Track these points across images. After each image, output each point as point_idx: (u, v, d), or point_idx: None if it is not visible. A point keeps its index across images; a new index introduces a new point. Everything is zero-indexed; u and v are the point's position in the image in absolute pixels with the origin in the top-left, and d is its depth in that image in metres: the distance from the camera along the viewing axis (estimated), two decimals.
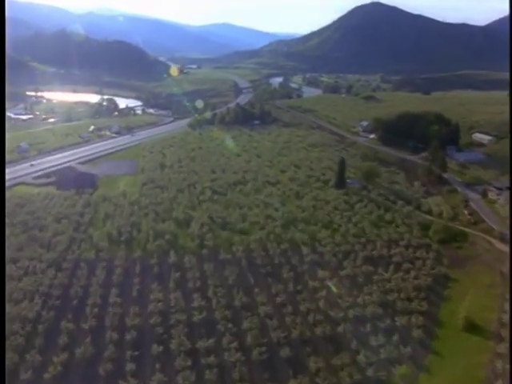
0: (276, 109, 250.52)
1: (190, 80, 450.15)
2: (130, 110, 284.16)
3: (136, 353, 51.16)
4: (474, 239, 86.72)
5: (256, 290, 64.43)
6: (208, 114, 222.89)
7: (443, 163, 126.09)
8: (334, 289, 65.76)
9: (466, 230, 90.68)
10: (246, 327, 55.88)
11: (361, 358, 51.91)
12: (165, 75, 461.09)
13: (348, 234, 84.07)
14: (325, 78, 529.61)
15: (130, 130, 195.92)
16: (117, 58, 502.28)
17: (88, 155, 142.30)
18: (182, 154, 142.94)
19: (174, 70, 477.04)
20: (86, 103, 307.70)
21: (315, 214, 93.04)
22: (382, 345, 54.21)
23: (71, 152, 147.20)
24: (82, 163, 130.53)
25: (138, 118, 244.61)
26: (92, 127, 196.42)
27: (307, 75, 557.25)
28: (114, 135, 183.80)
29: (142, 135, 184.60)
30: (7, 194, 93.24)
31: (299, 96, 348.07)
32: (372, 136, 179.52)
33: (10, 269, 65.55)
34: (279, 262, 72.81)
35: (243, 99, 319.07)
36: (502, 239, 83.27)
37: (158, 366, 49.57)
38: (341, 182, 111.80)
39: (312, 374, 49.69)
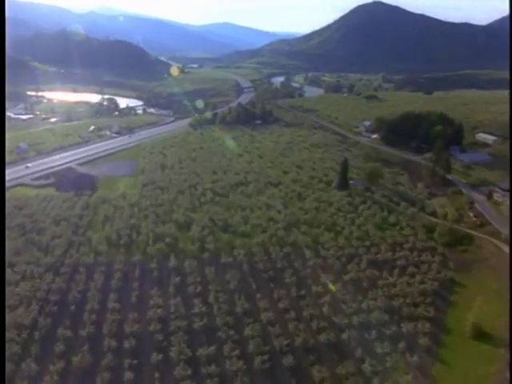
0: (278, 108, 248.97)
1: (191, 79, 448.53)
2: (130, 110, 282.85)
3: (135, 361, 49.71)
4: (479, 242, 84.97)
5: (258, 295, 62.96)
6: (209, 114, 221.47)
7: (447, 164, 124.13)
8: (337, 294, 64.18)
9: (472, 232, 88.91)
10: (248, 334, 54.39)
11: (366, 366, 50.34)
12: (165, 75, 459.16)
13: (351, 237, 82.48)
14: (327, 78, 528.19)
15: (130, 129, 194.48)
16: (117, 57, 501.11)
17: (87, 156, 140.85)
18: (182, 155, 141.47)
19: (174, 70, 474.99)
20: (87, 103, 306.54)
21: (318, 216, 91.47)
22: (387, 353, 52.67)
23: (70, 153, 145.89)
24: (81, 164, 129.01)
25: (139, 118, 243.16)
26: (92, 127, 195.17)
27: (309, 74, 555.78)
28: (114, 135, 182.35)
29: (143, 135, 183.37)
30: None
31: (301, 95, 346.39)
32: (375, 136, 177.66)
33: (6, 273, 64.06)
34: (282, 266, 71.26)
35: (245, 99, 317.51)
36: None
37: (157, 375, 48.18)
38: (344, 183, 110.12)
39: (316, 383, 48.20)
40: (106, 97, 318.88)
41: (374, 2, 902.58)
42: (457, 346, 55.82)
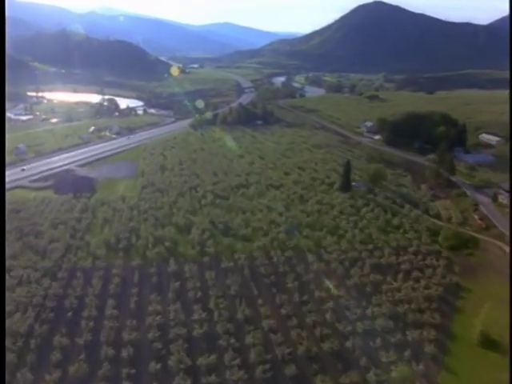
0: (279, 109, 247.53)
1: (191, 80, 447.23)
2: (130, 111, 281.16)
3: (132, 371, 48.28)
4: (485, 245, 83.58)
5: (259, 301, 61.55)
6: (210, 114, 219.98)
7: (451, 165, 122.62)
8: (341, 299, 62.72)
9: (477, 235, 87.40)
10: (249, 342, 52.94)
11: (371, 376, 48.88)
12: (166, 75, 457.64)
13: (354, 241, 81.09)
14: (328, 78, 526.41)
15: (130, 130, 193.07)
16: (118, 57, 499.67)
17: (86, 158, 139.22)
18: (183, 156, 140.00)
19: (175, 70, 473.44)
20: (87, 103, 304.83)
21: (320, 219, 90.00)
22: (393, 361, 51.20)
23: (69, 154, 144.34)
24: (81, 166, 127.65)
25: (139, 119, 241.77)
26: (92, 128, 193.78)
27: (310, 74, 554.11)
28: (114, 136, 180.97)
29: (144, 135, 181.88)
30: None
31: (302, 95, 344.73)
32: (377, 137, 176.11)
33: None
34: (283, 270, 69.85)
35: (245, 99, 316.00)
36: None
37: None
38: (346, 185, 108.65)
39: None
40: (107, 97, 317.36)
41: (375, 2, 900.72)
42: (464, 353, 54.39)
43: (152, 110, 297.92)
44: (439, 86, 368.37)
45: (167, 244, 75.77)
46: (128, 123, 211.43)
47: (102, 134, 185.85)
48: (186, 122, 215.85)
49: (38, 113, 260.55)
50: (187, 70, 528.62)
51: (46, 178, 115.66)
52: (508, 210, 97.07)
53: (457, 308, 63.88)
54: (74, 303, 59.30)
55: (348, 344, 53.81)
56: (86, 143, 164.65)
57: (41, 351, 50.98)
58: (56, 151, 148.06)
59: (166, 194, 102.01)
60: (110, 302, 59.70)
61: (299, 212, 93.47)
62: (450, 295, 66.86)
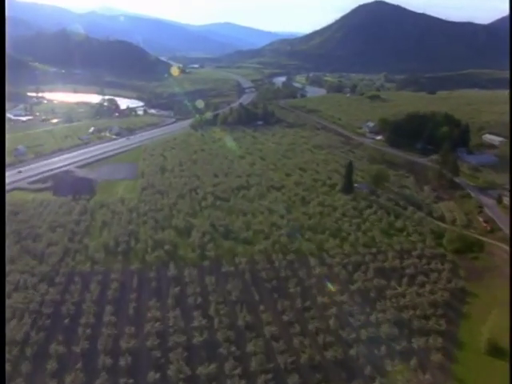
0: (280, 109, 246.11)
1: (191, 80, 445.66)
2: (131, 111, 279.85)
3: (130, 381, 46.90)
4: (490, 249, 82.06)
5: (261, 307, 60.17)
6: (210, 115, 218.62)
7: (455, 166, 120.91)
8: (344, 305, 61.29)
9: (482, 238, 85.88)
10: (251, 351, 51.52)
11: None
12: (166, 75, 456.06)
13: (357, 244, 79.72)
14: (328, 78, 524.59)
15: (130, 131, 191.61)
16: (118, 57, 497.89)
17: (85, 159, 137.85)
18: (183, 157, 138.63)
19: (175, 70, 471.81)
20: (87, 104, 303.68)
21: (322, 222, 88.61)
22: (399, 371, 49.78)
23: (69, 155, 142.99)
24: (80, 167, 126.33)
25: (139, 119, 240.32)
26: (92, 128, 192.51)
27: (310, 74, 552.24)
28: (114, 137, 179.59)
29: (145, 136, 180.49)
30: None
31: (303, 96, 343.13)
32: (379, 137, 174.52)
33: None
34: (285, 275, 68.45)
35: (246, 99, 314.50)
36: None
37: None
38: (348, 187, 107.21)
39: None
40: (107, 97, 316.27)
41: (376, 2, 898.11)
42: (471, 362, 52.96)
43: (152, 111, 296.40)
44: (440, 86, 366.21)
45: (167, 247, 74.43)
46: (128, 124, 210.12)
47: (102, 134, 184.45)
48: (186, 123, 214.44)
49: (37, 113, 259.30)
50: (187, 70, 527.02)
51: (45, 180, 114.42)
52: None
53: (463, 314, 62.38)
54: (71, 309, 57.95)
55: (352, 352, 52.36)
56: (86, 144, 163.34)
57: (36, 360, 49.58)
58: (55, 152, 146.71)
59: (166, 195, 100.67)
60: (108, 308, 58.36)
61: (301, 214, 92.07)
62: (455, 301, 65.38)
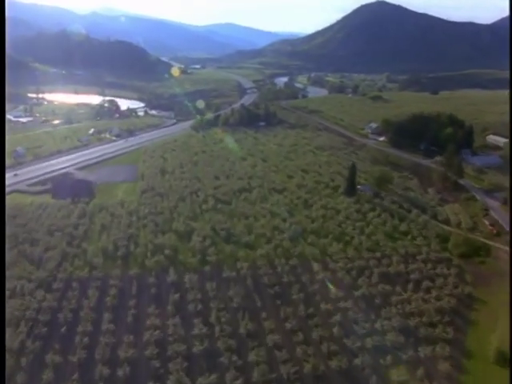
0: (281, 109, 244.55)
1: (192, 80, 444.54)
2: (131, 112, 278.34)
3: None
4: (497, 253, 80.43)
5: (263, 314, 58.59)
6: (211, 116, 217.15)
7: (459, 168, 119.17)
8: (349, 312, 59.71)
9: (489, 242, 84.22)
10: (253, 360, 49.99)
11: None
12: (167, 75, 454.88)
13: (361, 248, 78.10)
14: (330, 78, 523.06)
15: (131, 132, 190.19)
16: (119, 58, 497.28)
17: (85, 161, 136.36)
18: (184, 159, 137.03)
19: (176, 71, 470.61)
20: (88, 105, 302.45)
21: (325, 225, 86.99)
22: (405, 381, 48.22)
23: (68, 157, 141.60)
24: (79, 169, 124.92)
25: (140, 120, 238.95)
26: (92, 130, 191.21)
27: (312, 75, 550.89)
28: (114, 138, 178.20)
29: (145, 137, 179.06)
30: None
31: (305, 96, 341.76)
32: (382, 138, 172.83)
33: None
34: (288, 280, 66.79)
35: (247, 100, 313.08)
36: None
37: None
38: (351, 189, 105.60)
39: None
40: (107, 98, 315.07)
41: (377, 2, 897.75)
42: (479, 371, 51.36)
43: (153, 112, 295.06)
44: (442, 86, 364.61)
45: (167, 252, 72.89)
46: (128, 125, 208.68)
47: (102, 136, 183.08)
48: (187, 124, 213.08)
49: (38, 114, 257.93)
50: (189, 71, 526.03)
51: (44, 182, 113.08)
52: None
53: (471, 321, 60.79)
54: (68, 317, 56.47)
55: (357, 361, 50.80)
56: (86, 145, 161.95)
57: (32, 370, 48.14)
58: (55, 154, 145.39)
59: (166, 198, 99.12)
60: (107, 315, 56.88)
61: (303, 217, 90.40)
62: (463, 307, 63.78)
